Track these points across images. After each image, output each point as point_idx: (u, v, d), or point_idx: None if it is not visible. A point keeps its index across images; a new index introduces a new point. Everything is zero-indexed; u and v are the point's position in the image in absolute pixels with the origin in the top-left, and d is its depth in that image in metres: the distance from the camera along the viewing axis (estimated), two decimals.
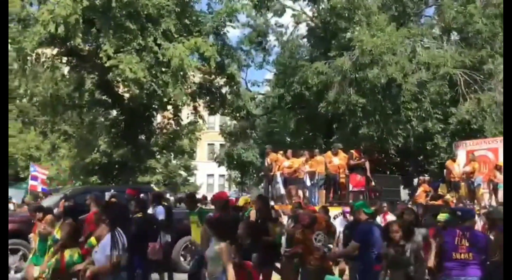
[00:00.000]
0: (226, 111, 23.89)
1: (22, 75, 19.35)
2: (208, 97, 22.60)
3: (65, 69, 21.27)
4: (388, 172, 31.89)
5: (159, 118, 24.51)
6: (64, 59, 20.06)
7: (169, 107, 21.42)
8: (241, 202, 10.70)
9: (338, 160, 14.83)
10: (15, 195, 21.91)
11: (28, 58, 17.57)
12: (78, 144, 24.71)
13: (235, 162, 33.74)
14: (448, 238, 5.80)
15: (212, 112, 24.40)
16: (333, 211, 11.73)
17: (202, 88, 22.03)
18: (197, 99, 22.18)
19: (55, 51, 19.34)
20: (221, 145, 41.53)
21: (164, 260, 8.85)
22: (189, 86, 19.89)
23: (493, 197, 15.10)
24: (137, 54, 17.03)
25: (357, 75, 19.87)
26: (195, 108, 22.61)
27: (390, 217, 10.64)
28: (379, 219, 10.32)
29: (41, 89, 21.37)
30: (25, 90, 22.35)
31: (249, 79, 51.48)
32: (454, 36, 23.74)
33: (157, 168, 25.44)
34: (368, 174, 14.76)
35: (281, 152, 16.02)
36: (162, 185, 28.13)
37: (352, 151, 15.24)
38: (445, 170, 16.96)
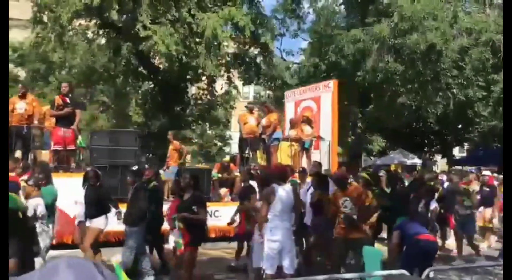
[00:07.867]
0: (260, 81, 23.79)
1: (60, 47, 19.61)
2: (242, 67, 22.53)
3: (102, 41, 21.49)
4: (426, 141, 31.63)
5: (194, 89, 24.60)
6: (101, 31, 20.21)
7: (204, 78, 21.46)
8: None
9: (25, 104, 10.52)
10: None
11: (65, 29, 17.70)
12: (115, 115, 25.16)
13: None
14: None
15: (246, 82, 24.36)
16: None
17: (236, 58, 21.96)
18: (231, 69, 22.13)
19: (92, 23, 19.50)
20: None
21: None
22: (223, 57, 19.81)
23: (304, 157, 12.42)
24: (171, 25, 17.00)
25: (395, 42, 19.32)
26: (229, 78, 22.60)
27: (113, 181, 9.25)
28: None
29: (79, 60, 21.70)
30: (63, 61, 22.72)
31: (283, 48, 51.04)
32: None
33: (193, 138, 25.74)
34: (75, 126, 10.65)
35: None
36: (198, 155, 28.49)
37: (56, 96, 11.06)
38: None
